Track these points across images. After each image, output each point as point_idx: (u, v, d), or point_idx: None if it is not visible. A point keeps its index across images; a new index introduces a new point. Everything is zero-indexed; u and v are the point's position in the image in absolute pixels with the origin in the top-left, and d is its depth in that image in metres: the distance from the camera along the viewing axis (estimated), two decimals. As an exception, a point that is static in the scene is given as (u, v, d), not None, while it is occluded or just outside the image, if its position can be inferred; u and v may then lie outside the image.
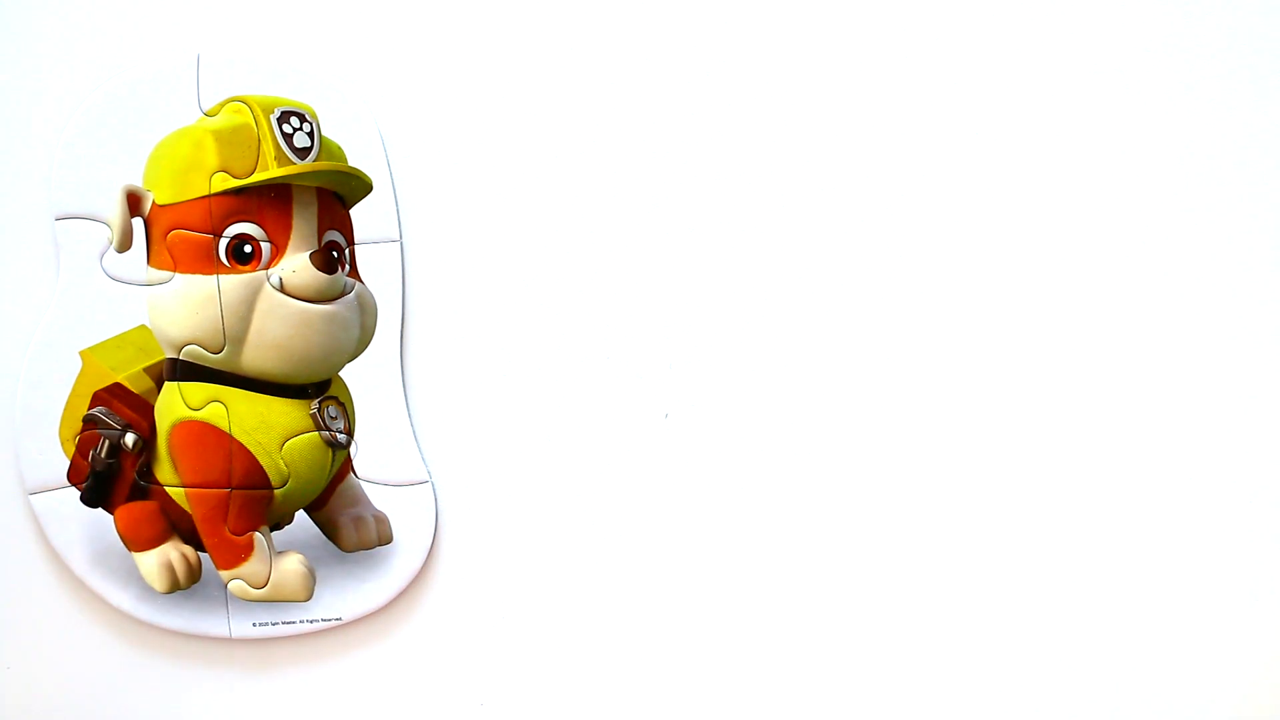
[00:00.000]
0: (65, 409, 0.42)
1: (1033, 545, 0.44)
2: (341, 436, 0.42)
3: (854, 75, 0.41)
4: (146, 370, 0.42)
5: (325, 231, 0.41)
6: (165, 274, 0.41)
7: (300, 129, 0.40)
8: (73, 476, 0.42)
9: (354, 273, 0.42)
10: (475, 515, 0.43)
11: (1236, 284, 0.42)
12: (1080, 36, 0.41)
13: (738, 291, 0.42)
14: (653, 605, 0.44)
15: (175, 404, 0.42)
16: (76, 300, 0.41)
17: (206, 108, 0.41)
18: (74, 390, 0.42)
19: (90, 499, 0.42)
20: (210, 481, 0.42)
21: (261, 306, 0.41)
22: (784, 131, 0.41)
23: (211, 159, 0.40)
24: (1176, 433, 0.43)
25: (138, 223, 0.41)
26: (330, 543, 0.43)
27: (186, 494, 0.42)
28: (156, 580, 0.43)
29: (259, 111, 0.40)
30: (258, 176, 0.40)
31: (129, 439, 0.42)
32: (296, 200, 0.41)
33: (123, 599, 0.43)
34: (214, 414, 0.41)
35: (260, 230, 0.41)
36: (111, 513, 0.42)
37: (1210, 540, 0.44)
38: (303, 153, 0.40)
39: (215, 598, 0.43)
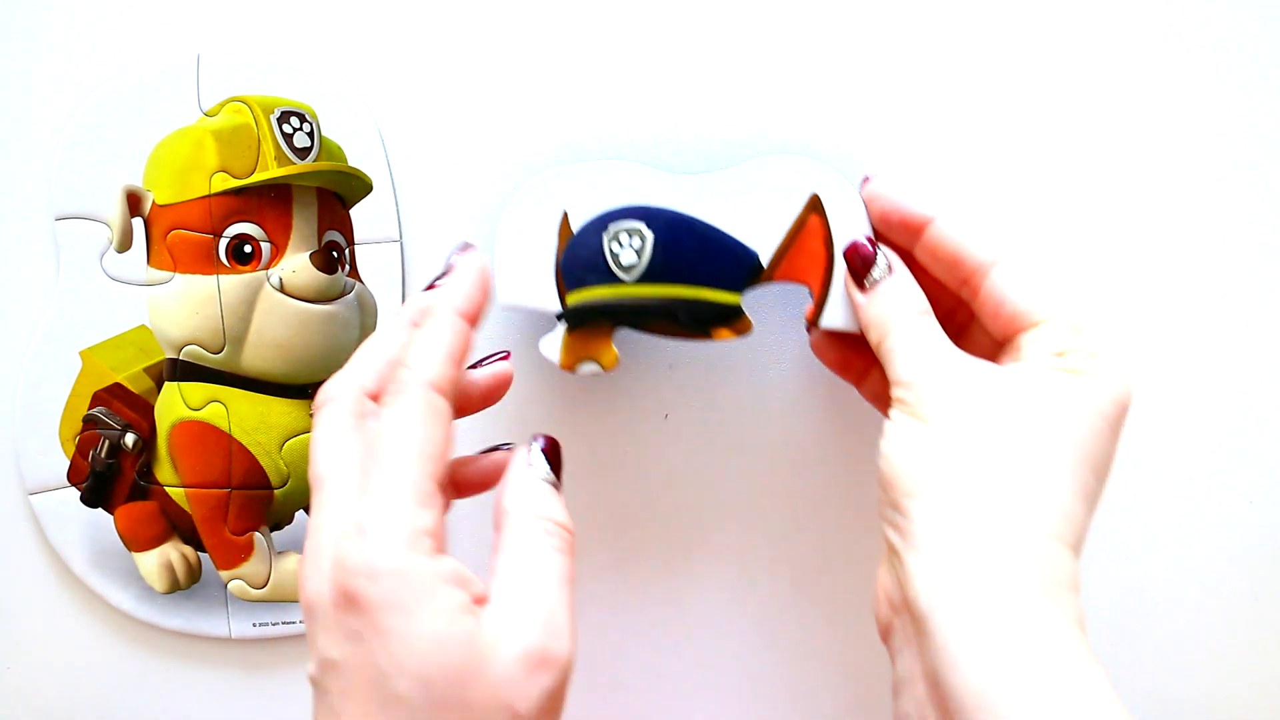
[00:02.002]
0: (65, 409, 0.42)
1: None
2: (341, 436, 0.42)
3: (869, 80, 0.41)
4: (146, 370, 0.42)
5: (325, 231, 0.41)
6: (165, 274, 0.41)
7: (300, 129, 0.40)
8: (73, 476, 0.42)
9: (354, 273, 0.42)
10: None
11: (1237, 282, 0.42)
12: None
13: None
14: (650, 603, 0.44)
15: (175, 404, 0.42)
16: (76, 300, 0.41)
17: (206, 108, 0.41)
18: (74, 390, 0.42)
19: (90, 499, 0.42)
20: (210, 481, 0.42)
21: (261, 306, 0.41)
22: (787, 147, 0.41)
23: (211, 159, 0.40)
24: (1176, 432, 0.43)
25: (138, 223, 0.41)
26: (330, 543, 0.43)
27: (186, 494, 0.42)
28: (156, 580, 0.43)
29: (259, 111, 0.40)
30: (258, 176, 0.40)
31: (129, 439, 0.42)
32: (296, 200, 0.41)
33: (123, 599, 0.43)
34: (214, 414, 0.42)
35: (260, 230, 0.41)
36: (111, 513, 0.42)
37: (1210, 540, 0.44)
38: (303, 153, 0.40)
39: (215, 598, 0.43)
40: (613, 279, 0.36)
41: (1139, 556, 0.44)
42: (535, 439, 0.33)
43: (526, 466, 0.32)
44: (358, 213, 0.41)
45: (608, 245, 0.36)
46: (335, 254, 0.41)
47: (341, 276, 0.41)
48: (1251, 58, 0.41)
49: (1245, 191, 0.42)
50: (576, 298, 0.36)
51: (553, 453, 0.33)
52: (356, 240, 0.42)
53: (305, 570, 0.29)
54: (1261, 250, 0.42)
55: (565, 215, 0.37)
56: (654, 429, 0.43)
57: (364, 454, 0.29)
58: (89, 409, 0.42)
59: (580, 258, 0.36)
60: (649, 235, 0.36)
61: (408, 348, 0.31)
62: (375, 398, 0.31)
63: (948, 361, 0.32)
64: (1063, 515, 0.30)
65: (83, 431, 0.42)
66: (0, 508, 0.43)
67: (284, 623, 0.43)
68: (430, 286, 0.33)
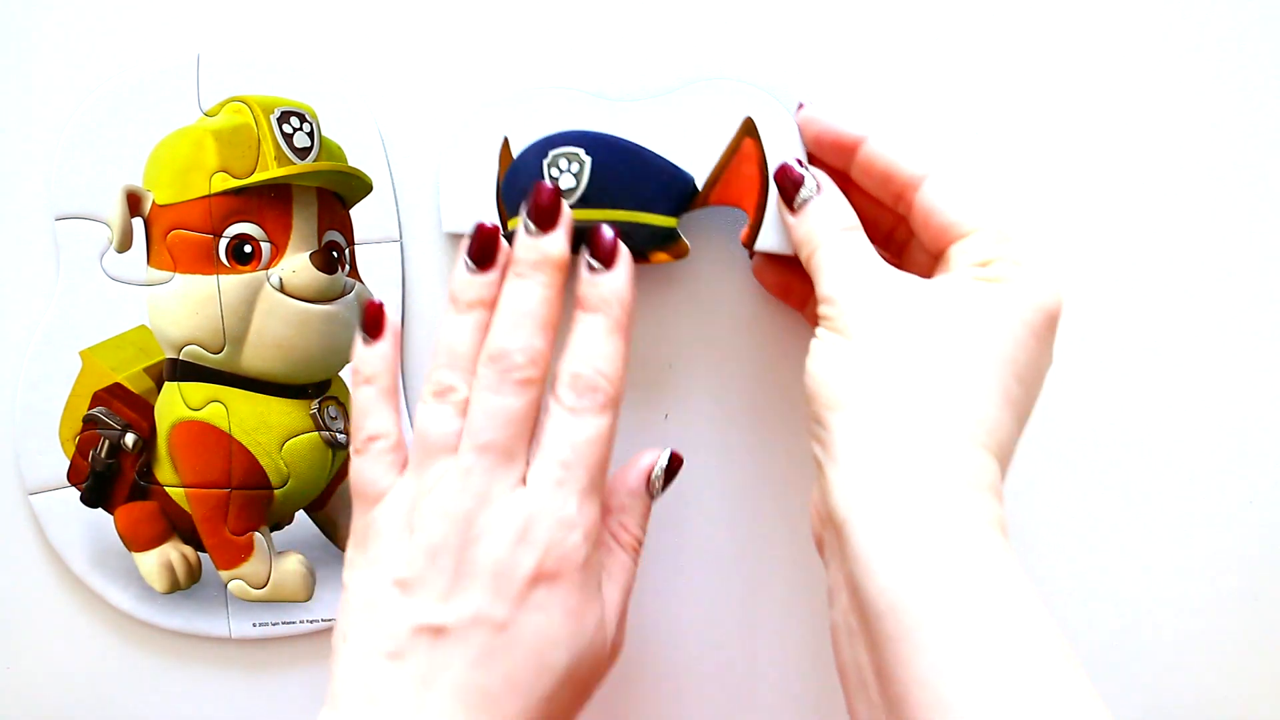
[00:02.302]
0: (65, 409, 0.42)
1: (1030, 542, 0.44)
2: (342, 436, 0.42)
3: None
4: (146, 370, 0.42)
5: (325, 231, 0.41)
6: (165, 274, 0.41)
7: (300, 129, 0.40)
8: (73, 476, 0.42)
9: (354, 273, 0.42)
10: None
11: (1238, 282, 0.42)
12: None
13: (737, 292, 0.42)
14: (651, 609, 0.44)
15: (175, 404, 0.42)
16: (76, 300, 0.41)
17: (206, 108, 0.41)
18: (74, 390, 0.42)
19: (90, 499, 0.42)
20: (210, 481, 0.42)
21: (261, 306, 0.41)
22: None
23: (211, 159, 0.40)
24: (1176, 432, 0.43)
25: (138, 223, 0.41)
26: (330, 543, 0.43)
27: (186, 494, 0.42)
28: (156, 580, 0.43)
29: (259, 111, 0.40)
30: (258, 176, 0.40)
31: (129, 439, 0.42)
32: (296, 200, 0.41)
33: (123, 599, 0.43)
34: (214, 414, 0.42)
35: (260, 230, 0.41)
36: (111, 513, 0.42)
37: (1210, 540, 0.44)
38: (303, 153, 0.41)
39: (215, 598, 0.43)
40: None
41: (1139, 556, 0.44)
42: (663, 451, 0.38)
43: (642, 475, 0.37)
44: (358, 213, 0.41)
45: (547, 170, 0.37)
46: (335, 254, 0.41)
47: (341, 276, 0.41)
48: (1240, 35, 0.41)
49: (1248, 191, 0.42)
50: (518, 222, 0.37)
51: (674, 469, 0.38)
52: (356, 240, 0.42)
53: (503, 533, 0.32)
54: (1262, 250, 0.42)
55: (506, 141, 0.38)
56: (654, 429, 0.43)
57: (541, 440, 0.34)
58: (89, 409, 0.42)
59: (520, 183, 0.37)
60: (587, 160, 0.37)
61: (596, 349, 0.34)
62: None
63: (871, 276, 0.33)
64: (981, 420, 0.30)
65: (83, 431, 0.42)
66: (0, 508, 0.43)
67: (284, 623, 0.43)
68: (539, 215, 0.35)
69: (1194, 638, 0.44)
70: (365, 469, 0.35)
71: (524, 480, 0.33)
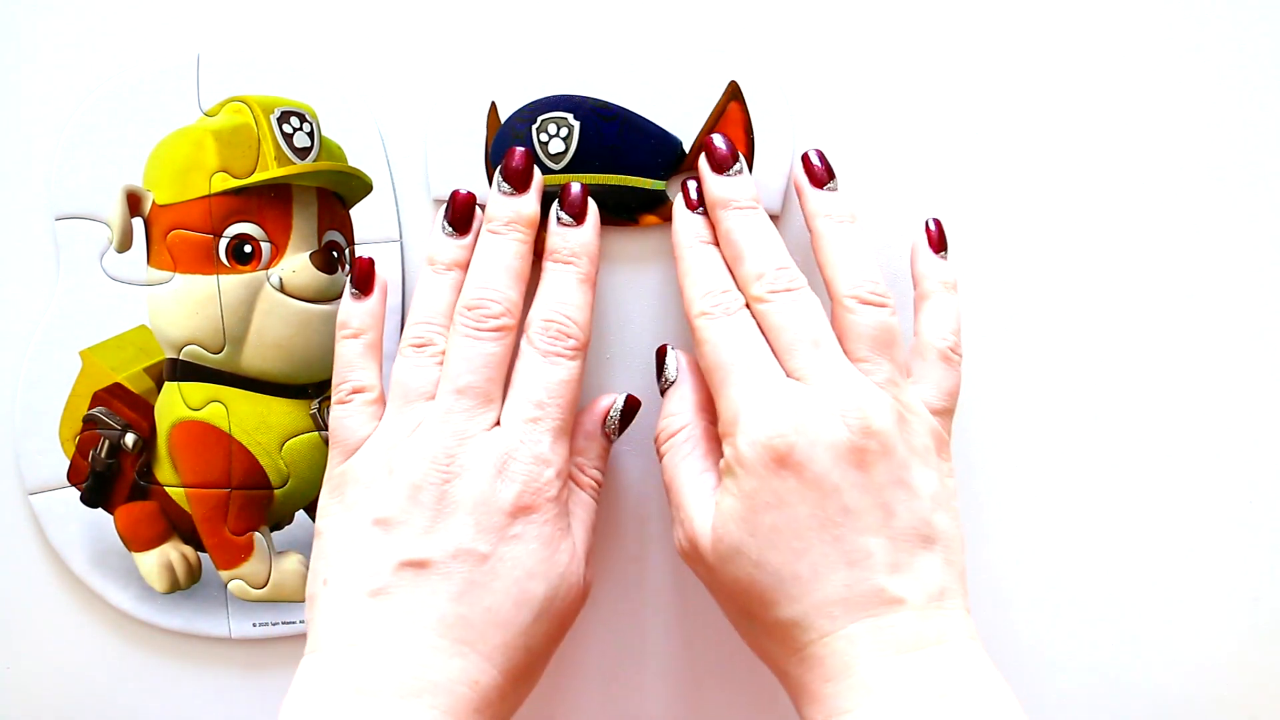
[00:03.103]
0: (65, 409, 0.42)
1: (1031, 543, 0.44)
2: (341, 436, 0.42)
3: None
4: (146, 370, 0.42)
5: (325, 231, 0.41)
6: (165, 274, 0.41)
7: (300, 129, 0.40)
8: (73, 476, 0.42)
9: (354, 273, 0.42)
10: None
11: (1237, 281, 0.42)
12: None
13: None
14: (652, 609, 0.44)
15: (175, 404, 0.42)
16: (76, 300, 0.41)
17: (206, 108, 0.41)
18: (74, 390, 0.42)
19: (90, 499, 0.42)
20: (210, 481, 0.42)
21: (261, 306, 0.41)
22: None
23: (211, 159, 0.40)
24: (1176, 432, 0.43)
25: (138, 223, 0.41)
26: (330, 543, 0.43)
27: (186, 494, 0.42)
28: (156, 580, 0.43)
29: (259, 111, 0.40)
30: (258, 176, 0.40)
31: (129, 439, 0.42)
32: (296, 200, 0.41)
33: (123, 599, 0.43)
34: (214, 414, 0.42)
35: (260, 230, 0.41)
36: (111, 513, 0.42)
37: (1210, 540, 0.44)
38: (303, 153, 0.41)
39: (215, 598, 0.43)
40: (542, 168, 0.38)
41: (1139, 556, 0.44)
42: (620, 395, 0.39)
43: (598, 418, 0.39)
44: (358, 213, 0.41)
45: (535, 135, 0.38)
46: (335, 254, 0.41)
47: (341, 276, 0.41)
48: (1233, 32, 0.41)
49: (1247, 191, 0.42)
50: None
51: (629, 412, 0.39)
52: (356, 240, 0.42)
53: (482, 468, 0.33)
54: (1262, 251, 0.42)
55: (493, 105, 0.38)
56: (654, 430, 0.43)
57: (514, 382, 0.36)
58: (89, 409, 0.42)
59: (509, 148, 0.38)
60: (575, 125, 0.38)
61: (567, 298, 0.36)
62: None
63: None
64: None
65: (83, 431, 0.42)
66: (0, 508, 0.43)
67: (284, 623, 0.43)
68: (515, 170, 0.37)
69: (1194, 638, 0.44)
70: (347, 419, 0.37)
71: (499, 422, 0.35)
